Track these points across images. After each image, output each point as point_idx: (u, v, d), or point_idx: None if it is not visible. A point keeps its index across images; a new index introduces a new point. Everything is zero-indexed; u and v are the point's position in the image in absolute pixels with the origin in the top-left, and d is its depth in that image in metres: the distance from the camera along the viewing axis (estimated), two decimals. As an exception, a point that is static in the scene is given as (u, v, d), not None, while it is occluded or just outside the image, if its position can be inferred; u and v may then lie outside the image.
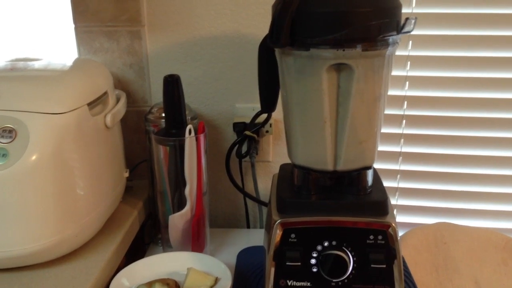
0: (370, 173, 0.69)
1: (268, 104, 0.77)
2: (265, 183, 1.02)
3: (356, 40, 0.59)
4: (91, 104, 0.74)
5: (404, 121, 1.01)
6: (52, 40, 0.99)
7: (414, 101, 1.00)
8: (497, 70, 0.97)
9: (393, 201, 1.06)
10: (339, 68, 0.61)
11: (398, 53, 0.88)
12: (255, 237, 0.93)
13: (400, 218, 1.07)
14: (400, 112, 1.01)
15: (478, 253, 0.96)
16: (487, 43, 0.95)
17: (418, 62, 0.97)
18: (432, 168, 1.04)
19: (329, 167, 0.67)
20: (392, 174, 1.05)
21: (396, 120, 1.01)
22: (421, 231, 1.00)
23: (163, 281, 0.71)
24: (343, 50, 0.59)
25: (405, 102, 1.00)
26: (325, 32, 0.58)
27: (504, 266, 0.95)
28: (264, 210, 1.01)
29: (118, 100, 0.87)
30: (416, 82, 0.99)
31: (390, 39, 0.61)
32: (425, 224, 1.02)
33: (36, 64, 0.80)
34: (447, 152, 1.02)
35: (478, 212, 1.05)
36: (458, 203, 1.05)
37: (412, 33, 0.63)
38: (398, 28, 0.60)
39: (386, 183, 0.73)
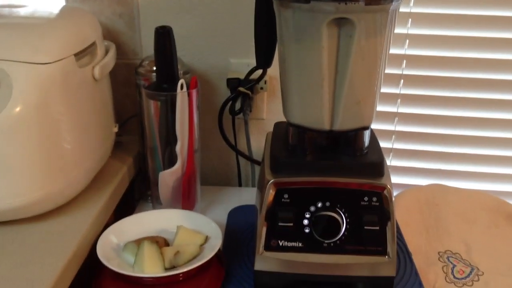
0: (367, 134, 0.67)
1: (263, 60, 0.74)
2: (258, 141, 1.00)
3: (359, -8, 0.56)
4: (78, 55, 0.71)
5: (402, 80, 0.99)
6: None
7: (413, 60, 0.97)
8: (498, 30, 0.94)
9: (387, 162, 1.04)
10: (340, 23, 0.58)
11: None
12: (247, 196, 0.92)
13: (393, 179, 1.06)
14: (399, 72, 0.98)
15: (470, 215, 0.96)
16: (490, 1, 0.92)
17: (419, 19, 0.94)
18: (427, 130, 1.03)
19: (326, 126, 0.65)
20: (387, 134, 1.03)
21: (394, 79, 0.98)
22: (413, 192, 0.99)
23: (152, 238, 0.69)
24: (345, 4, 0.56)
25: (404, 61, 0.97)
26: (327, -16, 0.55)
27: (495, 228, 0.95)
28: (257, 168, 1.00)
29: (107, 51, 0.83)
30: (416, 40, 0.96)
31: (395, -7, 0.58)
32: (417, 185, 1.02)
33: (21, 11, 0.77)
34: (443, 113, 1.01)
35: (472, 174, 1.05)
36: (451, 164, 1.05)
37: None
38: (404, -19, 0.57)
39: (381, 144, 0.72)
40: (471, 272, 0.84)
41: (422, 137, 1.03)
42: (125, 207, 0.88)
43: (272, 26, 0.67)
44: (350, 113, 0.64)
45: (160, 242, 0.69)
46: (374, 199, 0.63)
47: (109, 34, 0.93)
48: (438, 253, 0.87)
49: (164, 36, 0.75)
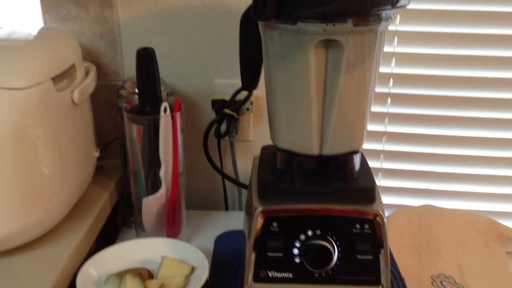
0: (357, 158, 0.65)
1: (249, 81, 0.72)
2: (244, 164, 0.98)
3: (347, 13, 0.54)
4: (56, 78, 0.68)
5: (389, 99, 0.98)
6: (15, 6, 0.91)
7: (400, 79, 0.96)
8: (485, 48, 0.94)
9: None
10: (328, 44, 0.57)
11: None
12: (234, 220, 0.89)
13: (382, 199, 1.05)
14: (386, 90, 0.97)
15: (461, 236, 0.95)
16: (476, 19, 0.92)
17: (405, 38, 0.93)
18: (416, 149, 1.01)
19: (315, 151, 0.63)
20: (376, 154, 1.02)
21: (381, 98, 0.97)
22: (404, 213, 0.98)
23: (135, 271, 0.66)
24: (333, 25, 0.54)
25: (391, 80, 0.96)
26: (314, 5, 0.53)
27: (487, 249, 0.94)
28: (244, 192, 0.97)
29: (87, 73, 0.80)
30: (403, 59, 0.95)
31: (384, 13, 0.56)
32: (408, 206, 1.01)
33: (-3, 33, 0.74)
34: (431, 132, 1.00)
35: (461, 193, 1.04)
36: (441, 184, 1.04)
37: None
38: (393, 1, 0.55)
39: (369, 164, 0.70)
40: (465, 295, 0.82)
41: (411, 156, 1.02)
42: (108, 234, 0.84)
43: (257, 47, 0.65)
44: (340, 136, 0.62)
45: (144, 275, 0.66)
46: (366, 226, 0.61)
47: (89, 55, 0.91)
48: (431, 277, 0.85)
49: (146, 57, 0.73)
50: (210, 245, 0.82)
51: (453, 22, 0.92)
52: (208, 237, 0.84)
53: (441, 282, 0.83)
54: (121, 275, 0.65)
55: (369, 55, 0.58)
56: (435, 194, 1.03)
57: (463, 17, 0.92)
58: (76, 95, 0.72)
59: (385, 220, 0.61)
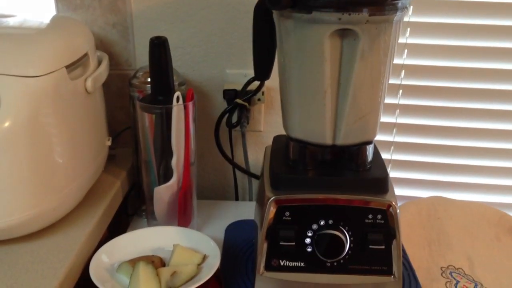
0: (370, 148, 0.65)
1: (262, 71, 0.72)
2: (255, 154, 0.98)
3: (363, 3, 0.54)
4: (70, 67, 0.68)
5: (400, 91, 0.97)
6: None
7: (412, 70, 0.96)
8: (498, 39, 0.93)
9: (386, 174, 1.03)
10: (343, 34, 0.56)
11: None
12: (244, 210, 0.89)
13: (392, 191, 1.05)
14: (397, 82, 0.96)
15: (472, 228, 0.94)
16: (489, 10, 0.91)
17: (418, 29, 0.93)
18: (426, 140, 1.01)
19: (328, 141, 0.63)
20: (386, 145, 1.01)
21: (392, 90, 0.97)
22: (414, 205, 0.97)
23: (147, 258, 0.67)
24: (349, 14, 0.54)
25: (403, 71, 0.96)
26: (330, -6, 0.53)
27: (497, 241, 0.94)
28: (254, 182, 0.97)
29: (99, 62, 0.81)
30: (415, 50, 0.94)
31: (400, 3, 0.56)
32: (418, 198, 1.00)
33: (11, 21, 0.74)
34: (442, 124, 1.00)
35: (472, 185, 1.03)
36: (452, 176, 1.03)
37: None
38: (410, -10, 0.55)
39: (379, 155, 0.70)
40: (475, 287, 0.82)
41: (422, 148, 1.01)
42: (119, 223, 0.85)
43: (271, 37, 0.65)
44: (354, 127, 0.62)
45: (156, 262, 0.67)
46: (379, 216, 0.61)
47: (102, 45, 0.91)
48: (441, 268, 0.84)
49: (159, 47, 0.73)
50: (220, 235, 0.82)
51: (466, 13, 0.91)
52: (219, 226, 0.85)
53: (450, 274, 0.83)
54: (133, 263, 0.65)
55: (384, 45, 0.58)
56: (446, 186, 1.03)
57: (476, 8, 0.91)
58: (89, 84, 0.73)
59: (397, 211, 0.61)
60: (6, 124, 0.59)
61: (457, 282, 0.82)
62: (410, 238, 0.89)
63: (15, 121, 0.60)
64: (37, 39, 0.69)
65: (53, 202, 0.67)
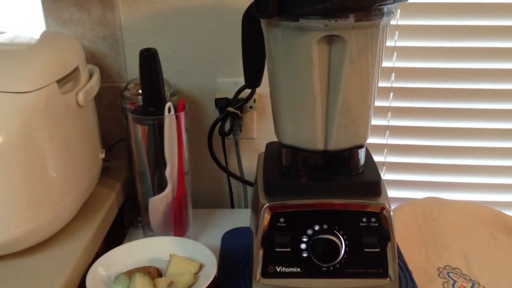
0: (362, 152, 0.66)
1: (253, 79, 0.72)
2: (249, 161, 0.98)
3: (349, 9, 0.54)
4: (60, 81, 0.69)
5: (391, 93, 0.98)
6: (17, 11, 0.92)
7: (402, 73, 0.96)
8: (485, 39, 0.94)
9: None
10: (331, 40, 0.57)
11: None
12: (240, 218, 0.90)
13: (387, 193, 1.05)
14: (388, 85, 0.97)
15: (467, 227, 0.95)
16: (476, 11, 0.92)
17: (406, 32, 0.93)
18: (419, 142, 1.02)
19: (320, 146, 0.63)
20: (379, 148, 1.02)
21: (383, 92, 0.97)
22: (409, 206, 0.98)
23: (144, 269, 0.67)
24: (335, 21, 0.55)
25: (393, 74, 0.96)
26: (316, 1, 0.53)
27: (493, 240, 0.94)
28: (249, 189, 0.98)
29: (91, 76, 0.81)
30: (404, 53, 0.95)
31: (385, 8, 0.57)
32: (413, 199, 1.01)
33: (0, 38, 0.74)
34: (433, 125, 1.00)
35: (466, 185, 1.04)
36: (445, 176, 1.04)
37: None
38: (395, -5, 0.55)
39: (373, 158, 0.70)
40: (472, 287, 0.82)
41: (415, 149, 1.02)
42: (115, 235, 0.85)
43: (260, 45, 0.65)
44: (345, 131, 0.62)
45: (153, 273, 0.67)
46: (373, 219, 0.62)
47: (92, 58, 0.91)
48: (438, 268, 0.85)
49: (149, 59, 0.73)
50: (217, 243, 0.82)
51: (453, 14, 0.92)
52: (215, 235, 0.85)
53: (447, 274, 0.84)
54: (130, 274, 0.66)
55: (371, 50, 0.59)
56: (440, 186, 1.04)
57: (463, 9, 0.92)
58: (81, 97, 0.73)
59: (391, 213, 0.62)
60: (-1, 140, 0.59)
61: (454, 282, 0.82)
62: (406, 240, 0.90)
63: (8, 136, 0.60)
64: (27, 54, 0.69)
65: (48, 216, 0.67)
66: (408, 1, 0.84)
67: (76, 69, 0.75)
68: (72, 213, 0.73)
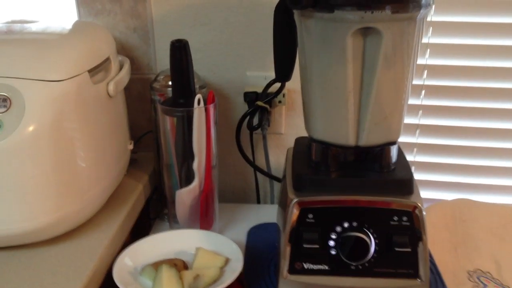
0: (394, 149, 0.64)
1: (283, 73, 0.71)
2: (276, 157, 0.97)
3: (385, 0, 0.53)
4: (92, 71, 0.69)
5: (423, 91, 0.96)
6: (51, 1, 0.93)
7: (435, 70, 0.94)
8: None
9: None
10: (366, 32, 0.56)
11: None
12: (266, 213, 0.89)
13: (416, 193, 1.03)
14: (420, 82, 0.95)
15: (498, 231, 0.92)
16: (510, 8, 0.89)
17: (440, 28, 0.91)
18: (450, 142, 1.00)
19: (351, 142, 0.62)
20: (409, 147, 1.00)
21: (414, 90, 0.95)
22: (439, 208, 0.96)
23: (170, 261, 0.67)
24: (372, 13, 0.53)
25: (425, 71, 0.94)
26: (352, -8, 0.52)
27: (525, 244, 0.91)
28: (276, 185, 0.97)
29: (121, 67, 0.81)
30: (438, 50, 0.93)
31: (423, 0, 0.55)
32: (443, 200, 0.98)
33: (33, 27, 0.75)
34: (465, 124, 0.98)
35: (498, 187, 1.01)
36: (477, 178, 1.01)
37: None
38: (433, -13, 0.54)
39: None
40: (503, 291, 0.80)
41: (445, 149, 1.00)
42: (140, 226, 0.85)
43: (292, 37, 0.64)
44: (377, 127, 0.61)
45: (179, 265, 0.66)
46: (405, 218, 0.60)
47: (123, 49, 0.91)
48: (468, 272, 0.83)
49: (180, 50, 0.73)
50: (242, 238, 0.81)
51: (488, 11, 0.90)
52: (241, 229, 0.84)
53: (478, 278, 0.81)
54: (156, 266, 0.65)
55: (407, 44, 0.57)
56: (471, 188, 1.01)
57: (498, 6, 0.89)
58: (111, 88, 0.73)
59: (423, 212, 0.60)
60: (31, 128, 0.60)
61: (485, 286, 0.80)
62: (435, 241, 0.88)
63: (40, 125, 0.60)
64: (60, 44, 0.70)
65: (77, 205, 0.67)
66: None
67: (107, 59, 0.75)
68: (100, 203, 0.74)
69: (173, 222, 0.81)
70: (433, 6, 0.89)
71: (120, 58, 0.84)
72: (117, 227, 0.72)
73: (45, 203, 0.63)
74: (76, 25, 0.80)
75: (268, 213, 0.88)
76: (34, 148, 0.60)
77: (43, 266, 0.62)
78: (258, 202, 0.99)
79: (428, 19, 0.90)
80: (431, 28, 0.91)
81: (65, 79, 0.63)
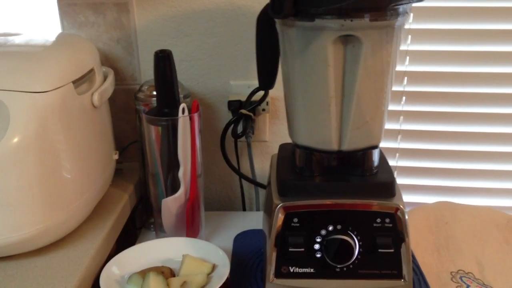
0: (376, 153, 0.66)
1: (266, 81, 0.73)
2: (261, 164, 0.98)
3: (364, 9, 0.55)
4: (76, 82, 0.69)
5: (404, 97, 0.98)
6: (34, 13, 0.93)
7: (415, 77, 0.96)
8: (497, 44, 0.94)
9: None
10: (346, 40, 0.57)
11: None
12: (252, 220, 0.90)
13: (399, 197, 1.05)
14: (400, 88, 0.97)
15: (480, 232, 0.94)
16: (490, 15, 0.92)
17: (419, 36, 0.94)
18: (431, 146, 1.01)
19: (334, 146, 0.63)
20: (391, 152, 1.02)
21: (395, 96, 0.97)
22: (421, 211, 0.97)
23: (157, 269, 0.67)
24: (351, 21, 0.55)
25: (406, 78, 0.96)
26: (332, 1, 0.53)
27: (506, 245, 0.93)
28: (261, 192, 0.98)
29: (105, 77, 0.82)
30: (417, 56, 0.95)
31: (401, 8, 0.57)
32: (425, 203, 1.00)
33: (17, 40, 0.75)
34: (446, 129, 1.00)
35: (479, 190, 1.03)
36: (458, 181, 1.03)
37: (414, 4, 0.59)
38: (410, -5, 0.56)
39: (385, 162, 0.70)
40: (486, 291, 0.81)
41: (426, 153, 1.01)
42: (127, 236, 0.85)
43: (274, 46, 0.66)
44: (359, 132, 0.62)
45: (166, 273, 0.67)
46: (387, 220, 0.61)
47: (107, 60, 0.92)
48: (451, 273, 0.84)
49: (164, 60, 0.74)
50: (229, 245, 0.82)
51: (466, 18, 0.92)
52: (227, 237, 0.85)
53: (461, 278, 0.83)
54: (143, 274, 0.66)
55: (386, 50, 0.59)
56: (452, 191, 1.03)
57: (476, 13, 0.92)
58: (96, 98, 0.73)
59: (406, 214, 0.61)
60: (15, 140, 0.60)
61: (468, 286, 0.82)
62: (419, 244, 0.89)
63: (24, 136, 0.60)
64: (44, 55, 0.70)
65: (62, 216, 0.67)
66: (421, 4, 0.85)
67: (91, 70, 0.76)
68: (86, 213, 0.74)
69: (160, 231, 0.81)
70: (411, 15, 0.91)
71: (104, 69, 0.84)
72: (102, 237, 0.72)
73: (30, 214, 0.63)
74: (59, 37, 0.80)
75: (253, 220, 0.89)
76: (19, 160, 0.60)
77: (29, 277, 0.62)
78: (244, 209, 1.00)
79: (407, 27, 0.92)
80: (410, 36, 0.93)
81: (49, 91, 0.63)
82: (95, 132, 0.77)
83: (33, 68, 0.65)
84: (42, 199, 0.64)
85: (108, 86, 0.80)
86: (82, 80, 0.72)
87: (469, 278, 0.83)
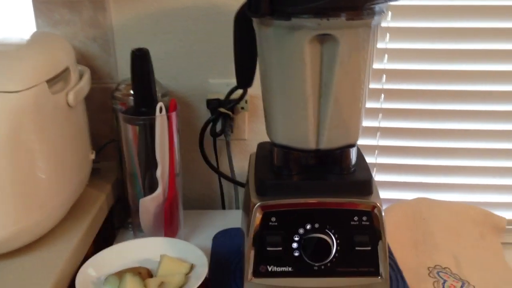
0: (354, 151, 0.66)
1: (244, 80, 0.72)
2: (240, 162, 0.98)
3: (341, 8, 0.55)
4: (50, 81, 0.68)
5: (382, 95, 0.98)
6: (7, 12, 0.91)
7: (393, 75, 0.97)
8: (476, 41, 0.95)
9: (371, 177, 1.04)
10: (323, 39, 0.57)
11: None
12: (231, 219, 0.89)
13: (378, 194, 1.05)
14: (379, 86, 0.98)
15: (457, 228, 0.95)
16: (467, 13, 0.93)
17: (397, 34, 0.94)
18: (409, 143, 1.02)
19: (311, 145, 0.63)
20: (370, 149, 1.02)
21: (374, 94, 0.98)
22: (399, 207, 0.98)
23: (134, 270, 0.66)
24: (328, 20, 0.55)
25: (384, 76, 0.97)
26: (308, 0, 0.53)
27: (482, 240, 0.95)
28: (240, 190, 0.98)
29: (81, 76, 0.80)
30: (395, 54, 0.95)
31: (377, 7, 0.57)
32: (403, 200, 1.01)
33: (-11, 38, 0.74)
34: (424, 126, 1.01)
35: (456, 186, 1.04)
36: (436, 177, 1.04)
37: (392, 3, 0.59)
38: (386, -5, 0.56)
39: (364, 159, 0.71)
40: (462, 286, 0.83)
41: (405, 150, 1.02)
42: (104, 236, 0.84)
43: (252, 45, 0.65)
44: (336, 130, 0.63)
45: (143, 274, 0.66)
46: (364, 218, 0.62)
47: (83, 59, 0.90)
48: (428, 268, 0.85)
49: (141, 58, 0.73)
50: (208, 244, 0.82)
51: (444, 17, 0.93)
52: (206, 236, 0.85)
53: (437, 273, 0.84)
54: (120, 275, 0.65)
55: (363, 49, 0.59)
56: (430, 187, 1.04)
57: (453, 11, 0.93)
58: (71, 97, 0.72)
59: (382, 212, 0.62)
60: (-13, 140, 0.58)
61: (445, 281, 0.83)
62: (397, 240, 0.90)
63: (-3, 136, 0.59)
64: (17, 54, 0.68)
65: (37, 217, 0.66)
66: (399, 3, 0.85)
67: (66, 69, 0.75)
68: (61, 214, 0.73)
69: (138, 231, 0.81)
70: (390, 13, 0.92)
71: (80, 67, 0.83)
72: (79, 238, 0.71)
73: (4, 216, 0.62)
74: (34, 35, 0.79)
75: (233, 219, 0.89)
76: (-9, 160, 0.59)
77: (3, 280, 0.61)
78: (223, 208, 1.00)
79: (386, 25, 0.93)
80: (388, 34, 0.94)
81: (22, 90, 0.62)
82: (71, 132, 0.75)
83: (6, 67, 0.64)
84: (15, 200, 0.63)
85: (84, 85, 0.78)
86: (57, 79, 0.71)
87: (446, 273, 0.85)
